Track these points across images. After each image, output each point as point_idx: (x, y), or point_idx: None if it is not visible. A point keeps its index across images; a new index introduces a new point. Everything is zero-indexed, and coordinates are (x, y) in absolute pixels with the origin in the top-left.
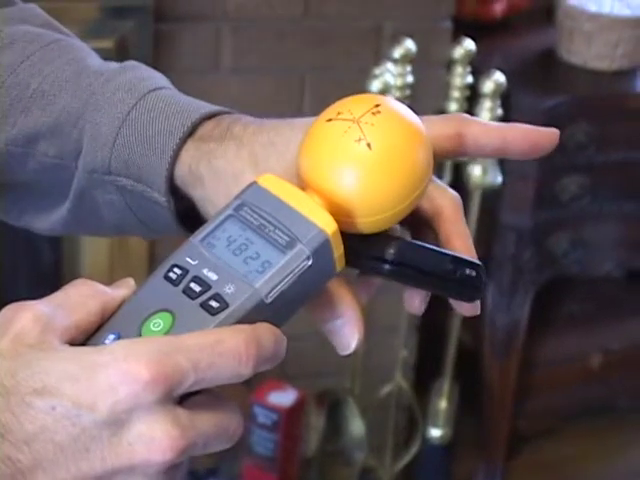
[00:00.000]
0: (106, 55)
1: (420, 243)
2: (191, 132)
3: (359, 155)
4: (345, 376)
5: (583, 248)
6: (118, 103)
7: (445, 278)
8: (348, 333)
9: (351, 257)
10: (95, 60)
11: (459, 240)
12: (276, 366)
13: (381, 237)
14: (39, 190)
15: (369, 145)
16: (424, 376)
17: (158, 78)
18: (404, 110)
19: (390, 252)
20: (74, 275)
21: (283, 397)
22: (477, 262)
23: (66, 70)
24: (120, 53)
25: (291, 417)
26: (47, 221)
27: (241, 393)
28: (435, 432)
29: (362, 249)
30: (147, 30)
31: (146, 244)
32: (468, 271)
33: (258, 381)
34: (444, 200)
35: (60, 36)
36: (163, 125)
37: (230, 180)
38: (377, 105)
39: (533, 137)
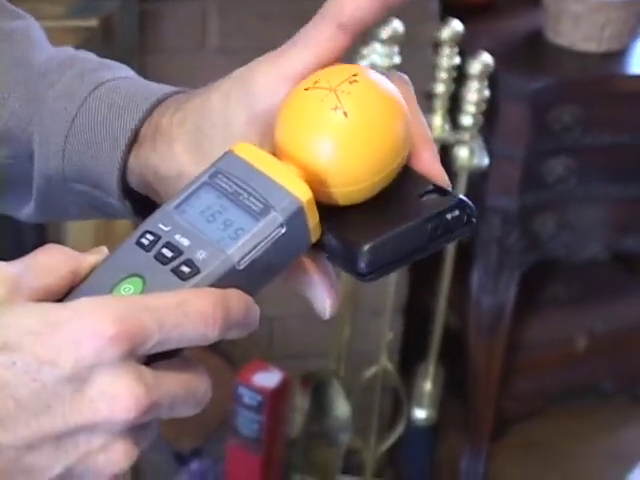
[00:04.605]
0: (91, 35)
1: (390, 231)
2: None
3: (335, 123)
4: (330, 358)
5: (569, 230)
6: (62, 112)
7: (430, 240)
8: (320, 299)
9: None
10: (41, 55)
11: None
12: (261, 347)
13: (348, 244)
14: (4, 186)
15: (345, 113)
16: (409, 358)
17: (99, 70)
18: (382, 80)
19: (362, 266)
20: None
21: (268, 378)
22: (457, 199)
23: (15, 73)
24: (105, 33)
25: (276, 398)
26: (20, 214)
27: (226, 374)
28: (420, 414)
29: (337, 259)
30: (132, 9)
31: (132, 228)
32: (449, 216)
33: (243, 362)
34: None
35: (11, 25)
36: (107, 131)
37: (175, 181)
38: (354, 74)
39: None
